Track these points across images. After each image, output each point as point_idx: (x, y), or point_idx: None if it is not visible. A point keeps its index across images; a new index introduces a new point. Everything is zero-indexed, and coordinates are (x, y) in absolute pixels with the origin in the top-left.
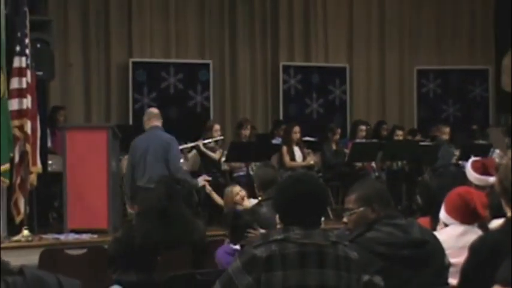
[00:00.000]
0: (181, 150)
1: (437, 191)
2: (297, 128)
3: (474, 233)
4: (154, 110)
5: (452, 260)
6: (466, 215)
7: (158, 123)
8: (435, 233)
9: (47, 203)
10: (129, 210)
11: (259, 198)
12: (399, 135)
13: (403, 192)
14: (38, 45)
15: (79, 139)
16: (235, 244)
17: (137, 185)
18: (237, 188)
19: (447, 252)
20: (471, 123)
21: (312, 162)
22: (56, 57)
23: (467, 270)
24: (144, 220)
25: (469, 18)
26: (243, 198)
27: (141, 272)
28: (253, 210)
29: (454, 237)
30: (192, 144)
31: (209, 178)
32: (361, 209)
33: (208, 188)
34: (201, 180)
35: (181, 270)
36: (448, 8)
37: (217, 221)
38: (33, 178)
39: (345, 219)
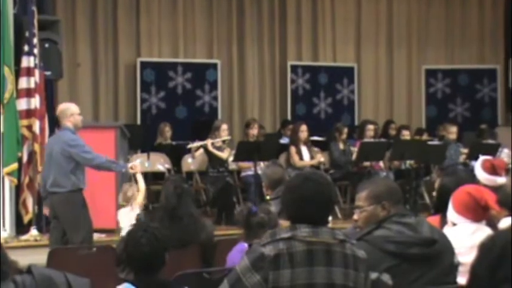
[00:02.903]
0: (189, 149)
1: (449, 190)
2: (303, 127)
3: (484, 232)
4: (58, 108)
5: (462, 259)
6: (478, 212)
7: (66, 122)
8: (445, 231)
9: None
10: (44, 213)
11: (268, 197)
12: (405, 135)
13: (410, 191)
14: (46, 45)
15: (87, 138)
16: (249, 243)
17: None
18: (134, 188)
19: (457, 251)
20: (479, 123)
21: (321, 159)
22: (64, 56)
23: (478, 270)
24: (152, 219)
25: (477, 18)
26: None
27: (150, 271)
28: (268, 209)
29: (465, 236)
30: (200, 143)
31: (137, 164)
32: (372, 206)
33: (137, 171)
34: (134, 164)
35: (189, 269)
36: (457, 7)
37: None
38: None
39: (355, 217)
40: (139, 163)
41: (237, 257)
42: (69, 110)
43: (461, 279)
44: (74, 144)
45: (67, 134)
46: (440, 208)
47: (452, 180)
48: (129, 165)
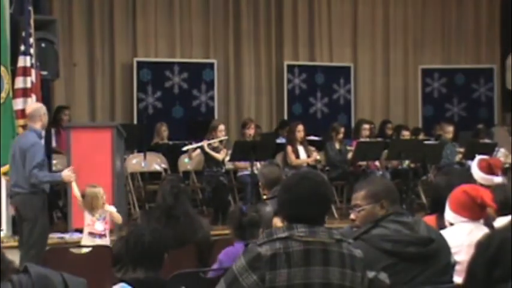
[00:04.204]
0: (186, 150)
1: (447, 189)
2: (300, 127)
3: (481, 231)
4: (30, 108)
5: (459, 258)
6: (475, 210)
7: (32, 123)
8: (442, 231)
9: (52, 203)
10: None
11: (264, 196)
12: (405, 135)
13: (407, 191)
14: (43, 45)
15: (84, 138)
16: (243, 242)
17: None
18: (101, 191)
19: (455, 250)
20: (476, 123)
21: (317, 157)
22: (60, 56)
23: (474, 268)
24: (150, 219)
25: (474, 17)
26: (104, 203)
27: (149, 270)
28: (258, 208)
29: (462, 236)
30: (197, 144)
31: (70, 169)
32: (370, 205)
33: (72, 178)
34: (66, 174)
35: (185, 268)
36: (453, 6)
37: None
38: None
39: (352, 216)
40: (69, 172)
41: (229, 257)
42: (42, 110)
43: (458, 278)
44: (33, 150)
45: (32, 136)
46: (436, 208)
47: (447, 180)
48: (63, 175)
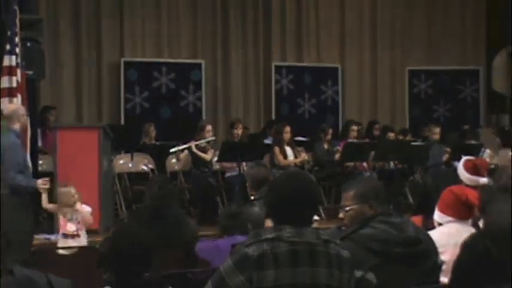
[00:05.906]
0: (174, 152)
1: (432, 190)
2: (287, 128)
3: (468, 231)
4: (9, 108)
5: (445, 258)
6: (459, 208)
7: (15, 122)
8: (429, 231)
9: (38, 203)
10: None
11: (252, 197)
12: (390, 136)
13: (394, 191)
14: (29, 44)
15: (70, 139)
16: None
17: None
18: (73, 190)
19: (441, 250)
20: (462, 124)
21: (306, 157)
22: (46, 56)
23: (460, 268)
24: (137, 220)
25: (460, 19)
26: (75, 203)
27: (135, 273)
28: (247, 209)
29: (449, 236)
30: (184, 146)
31: (47, 180)
32: (359, 205)
33: (43, 189)
34: (40, 183)
35: (172, 269)
36: (439, 8)
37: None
38: None
39: (341, 215)
40: (43, 181)
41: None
42: (21, 110)
43: (444, 278)
44: (11, 150)
45: (11, 136)
46: (422, 208)
47: (432, 182)
48: (38, 182)
